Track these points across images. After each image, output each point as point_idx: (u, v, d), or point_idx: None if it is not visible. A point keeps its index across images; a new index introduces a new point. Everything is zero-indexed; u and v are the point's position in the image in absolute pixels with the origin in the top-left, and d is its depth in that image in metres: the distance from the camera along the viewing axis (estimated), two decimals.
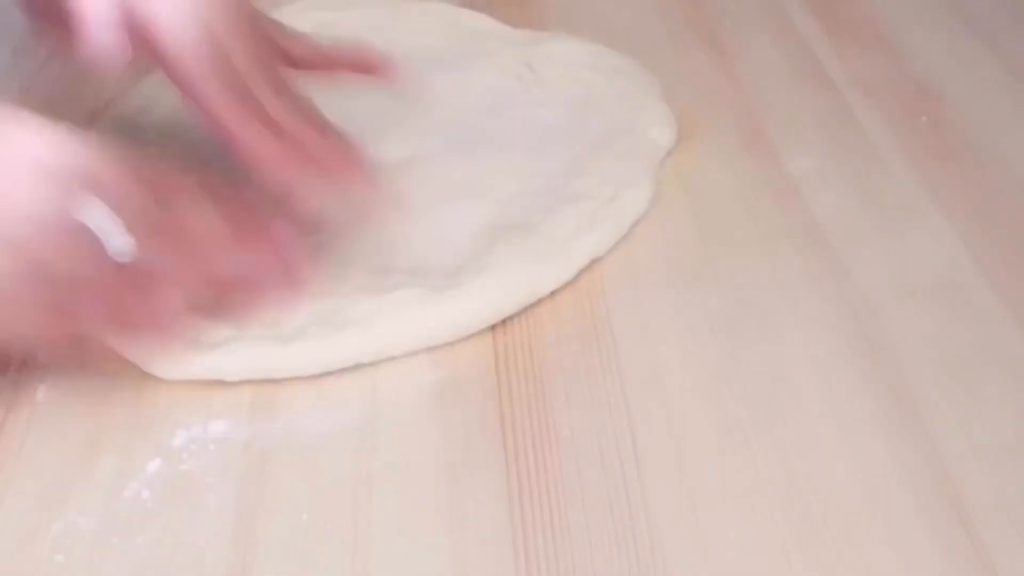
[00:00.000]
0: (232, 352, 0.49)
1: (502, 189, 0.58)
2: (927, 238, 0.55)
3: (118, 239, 0.45)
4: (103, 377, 0.49)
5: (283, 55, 0.55)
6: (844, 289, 0.52)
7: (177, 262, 0.47)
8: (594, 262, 0.54)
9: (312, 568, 0.42)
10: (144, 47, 0.51)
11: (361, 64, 0.58)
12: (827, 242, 0.55)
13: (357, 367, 0.50)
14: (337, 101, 0.63)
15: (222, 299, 0.50)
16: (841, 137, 0.62)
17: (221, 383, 0.49)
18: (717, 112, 0.64)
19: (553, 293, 0.53)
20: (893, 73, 0.66)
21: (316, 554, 0.42)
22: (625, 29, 0.70)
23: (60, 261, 0.44)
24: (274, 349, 0.49)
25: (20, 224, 0.44)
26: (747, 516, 0.43)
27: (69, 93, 0.69)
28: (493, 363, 0.50)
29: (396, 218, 0.55)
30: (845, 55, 0.68)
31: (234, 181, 0.51)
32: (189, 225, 0.48)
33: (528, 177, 0.58)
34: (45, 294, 0.44)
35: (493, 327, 0.51)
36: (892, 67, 0.67)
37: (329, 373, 0.49)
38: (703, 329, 0.51)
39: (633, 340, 0.50)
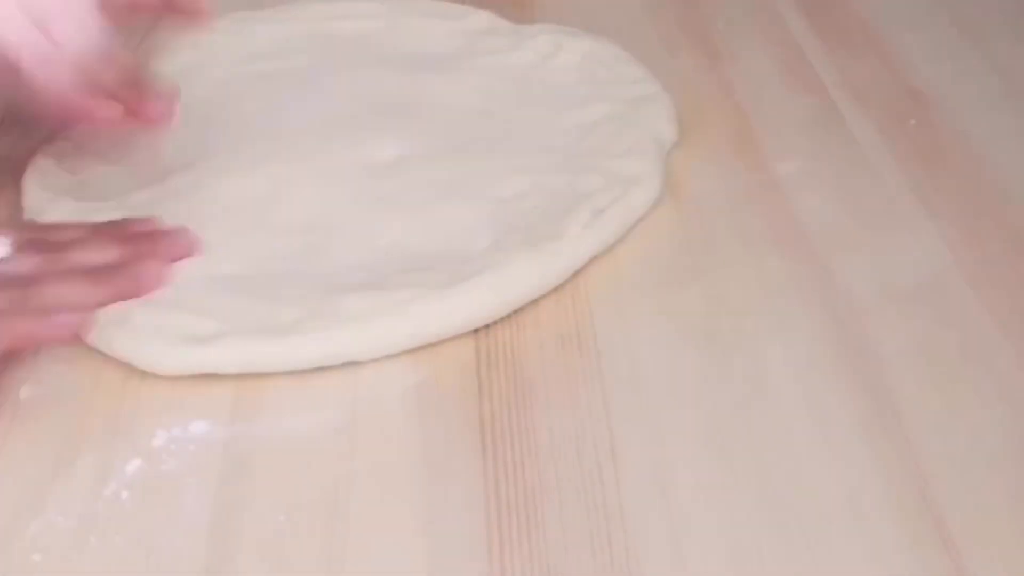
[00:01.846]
0: (225, 346, 0.49)
1: (503, 188, 0.57)
2: (911, 242, 0.55)
3: None
4: (87, 377, 0.49)
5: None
6: (827, 293, 0.52)
7: (52, 259, 0.51)
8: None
9: (287, 569, 0.42)
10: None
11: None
12: (811, 245, 0.55)
13: (340, 367, 0.50)
14: (329, 99, 0.64)
15: (99, 284, 0.51)
16: (829, 140, 0.62)
17: (204, 382, 0.49)
18: (707, 113, 0.64)
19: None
20: (884, 76, 0.66)
21: (292, 555, 0.42)
22: (618, 29, 0.70)
23: None
24: (267, 343, 0.49)
25: None
26: (723, 521, 0.43)
27: None
28: (475, 365, 0.50)
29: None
30: (837, 57, 0.68)
31: None
32: (57, 234, 0.53)
33: (532, 175, 0.58)
34: None
35: (476, 328, 0.51)
36: (883, 70, 0.67)
37: (312, 373, 0.49)
38: (685, 332, 0.51)
39: (615, 343, 0.50)
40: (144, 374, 0.49)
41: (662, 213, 0.57)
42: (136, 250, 0.52)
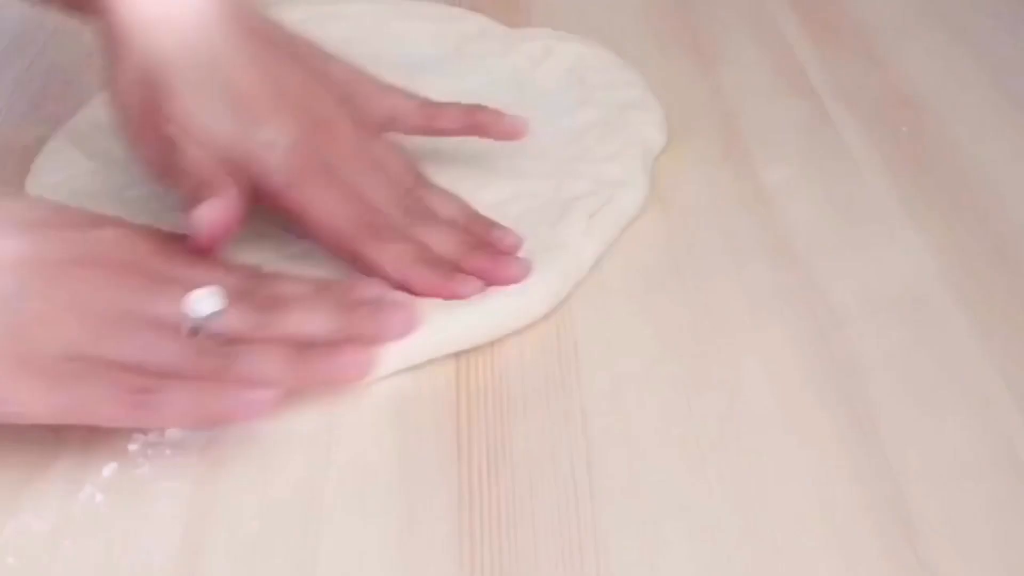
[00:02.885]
0: None
1: (487, 193, 0.57)
2: (897, 251, 0.55)
3: (209, 308, 0.46)
4: None
5: (389, 126, 0.56)
6: (811, 302, 0.52)
7: (264, 322, 0.48)
8: None
9: (259, 575, 0.42)
10: (253, 187, 0.51)
11: (468, 124, 0.57)
12: (796, 254, 0.55)
13: None
14: None
15: (300, 364, 0.47)
16: (819, 147, 0.61)
17: None
18: (697, 118, 0.64)
19: None
20: (877, 82, 0.66)
21: (263, 562, 0.42)
22: (610, 33, 0.70)
23: (139, 355, 0.45)
24: None
25: (100, 325, 0.45)
26: (697, 535, 0.43)
27: (58, 88, 0.69)
28: (454, 373, 0.50)
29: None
30: (830, 63, 0.68)
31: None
32: (276, 288, 0.50)
33: (518, 180, 0.58)
34: (124, 387, 0.44)
35: None
36: (876, 76, 0.67)
37: None
38: (667, 342, 0.51)
39: (595, 352, 0.50)
40: None
41: (648, 220, 0.57)
42: (352, 325, 0.49)
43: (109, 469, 0.46)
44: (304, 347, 0.47)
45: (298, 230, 0.52)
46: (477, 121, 0.57)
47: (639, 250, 0.55)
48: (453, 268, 0.52)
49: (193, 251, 0.50)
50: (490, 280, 0.51)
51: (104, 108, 0.64)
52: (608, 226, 0.55)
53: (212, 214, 0.49)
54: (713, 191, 0.59)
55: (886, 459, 0.45)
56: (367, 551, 0.43)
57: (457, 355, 0.50)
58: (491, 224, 0.54)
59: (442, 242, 0.52)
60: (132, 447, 0.46)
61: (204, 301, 0.47)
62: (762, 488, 0.44)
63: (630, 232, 0.56)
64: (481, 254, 0.52)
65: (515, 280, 0.51)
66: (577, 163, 0.58)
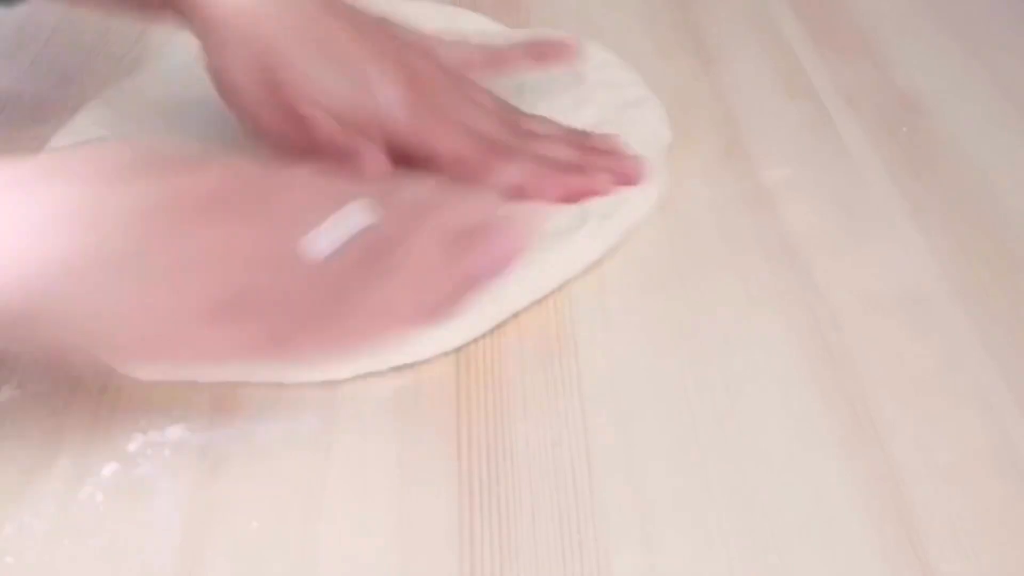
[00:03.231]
0: None
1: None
2: (898, 252, 0.55)
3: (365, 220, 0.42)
4: (66, 380, 0.49)
5: (464, 70, 0.59)
6: (811, 302, 0.52)
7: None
8: None
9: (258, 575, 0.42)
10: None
11: (530, 53, 0.61)
12: (797, 254, 0.55)
13: None
14: None
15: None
16: (819, 147, 0.61)
17: (182, 388, 0.49)
18: (697, 119, 0.64)
19: None
20: (877, 83, 0.66)
21: (263, 562, 0.42)
22: (611, 33, 0.70)
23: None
24: None
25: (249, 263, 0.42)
26: (697, 534, 0.43)
27: (58, 88, 0.69)
28: (454, 372, 0.50)
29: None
30: (830, 64, 0.68)
31: None
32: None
33: None
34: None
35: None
36: (877, 77, 0.67)
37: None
38: (666, 341, 0.51)
39: (595, 352, 0.50)
40: (123, 378, 0.49)
41: (648, 220, 0.57)
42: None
43: (109, 469, 0.46)
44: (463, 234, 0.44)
45: (428, 167, 0.55)
46: (537, 51, 0.61)
47: (639, 249, 0.55)
48: (577, 170, 0.56)
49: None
50: (617, 174, 0.56)
51: (104, 108, 0.64)
52: (620, 227, 0.55)
53: (375, 168, 0.53)
54: (714, 191, 0.59)
55: (886, 459, 0.45)
56: (367, 550, 0.43)
57: (457, 354, 0.50)
58: (588, 133, 0.59)
59: (558, 151, 0.57)
60: (132, 447, 0.47)
61: (358, 213, 0.42)
62: (762, 488, 0.44)
63: (631, 231, 0.56)
64: (599, 154, 0.57)
65: (636, 176, 0.56)
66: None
